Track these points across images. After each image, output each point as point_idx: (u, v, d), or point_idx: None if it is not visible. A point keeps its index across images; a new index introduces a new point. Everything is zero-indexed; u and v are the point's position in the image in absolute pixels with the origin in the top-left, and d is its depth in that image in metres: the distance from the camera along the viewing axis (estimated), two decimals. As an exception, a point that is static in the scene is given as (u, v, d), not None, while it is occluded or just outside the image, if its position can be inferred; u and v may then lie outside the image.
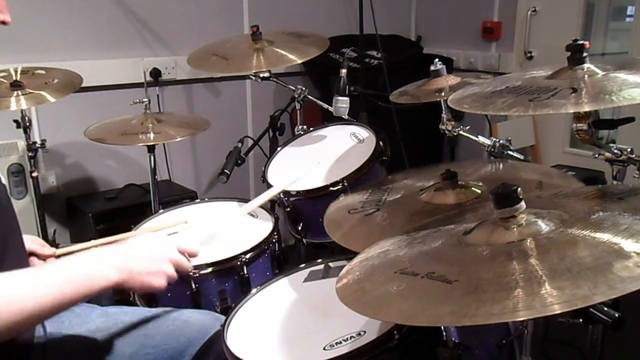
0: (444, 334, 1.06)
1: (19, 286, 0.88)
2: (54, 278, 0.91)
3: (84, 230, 2.46)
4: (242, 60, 2.01)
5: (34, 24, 2.44)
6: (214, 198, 1.92)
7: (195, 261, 1.19)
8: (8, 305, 0.84)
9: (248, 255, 1.49)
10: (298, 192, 1.68)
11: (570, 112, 0.96)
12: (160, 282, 1.02)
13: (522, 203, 0.88)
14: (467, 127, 1.53)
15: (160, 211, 1.83)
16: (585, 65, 1.05)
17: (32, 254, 1.38)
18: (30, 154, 2.18)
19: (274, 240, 1.59)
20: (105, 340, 1.16)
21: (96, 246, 1.53)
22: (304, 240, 1.77)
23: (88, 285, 0.93)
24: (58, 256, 1.44)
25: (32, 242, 1.38)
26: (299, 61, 2.00)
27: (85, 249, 1.53)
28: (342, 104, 1.89)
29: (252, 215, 1.74)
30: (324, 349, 1.08)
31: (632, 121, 1.17)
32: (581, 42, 1.05)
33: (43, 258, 1.41)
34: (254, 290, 1.35)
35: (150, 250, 1.04)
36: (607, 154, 1.20)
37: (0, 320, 0.83)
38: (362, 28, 2.87)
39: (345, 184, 1.61)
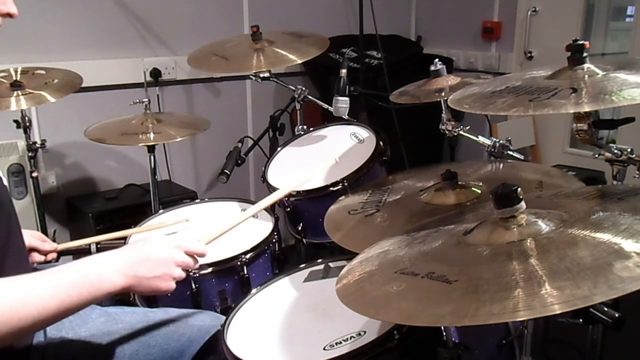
0: (444, 334, 1.06)
1: (24, 291, 0.87)
2: (59, 283, 0.90)
3: (84, 230, 2.46)
4: (242, 60, 2.01)
5: (34, 24, 2.44)
6: (214, 198, 1.92)
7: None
8: (13, 310, 0.83)
9: (248, 255, 1.49)
10: (298, 192, 1.68)
11: (570, 112, 0.96)
12: (167, 284, 1.01)
13: (522, 203, 0.88)
14: (467, 127, 1.54)
15: (161, 211, 1.83)
16: (585, 65, 1.05)
17: (34, 249, 1.38)
18: (30, 154, 2.18)
19: (274, 240, 1.59)
20: (105, 341, 1.16)
21: (97, 242, 1.53)
22: (304, 240, 1.76)
23: (93, 290, 0.92)
24: (59, 251, 1.44)
25: (32, 237, 1.38)
26: (299, 61, 2.00)
27: (86, 244, 1.54)
28: (342, 104, 1.89)
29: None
30: (324, 349, 1.08)
31: (632, 121, 1.16)
32: (581, 42, 1.05)
33: (44, 253, 1.41)
34: (254, 290, 1.36)
35: (156, 253, 1.03)
36: (607, 154, 1.19)
37: (5, 326, 0.82)
38: (362, 28, 2.87)
39: (345, 184, 1.61)
